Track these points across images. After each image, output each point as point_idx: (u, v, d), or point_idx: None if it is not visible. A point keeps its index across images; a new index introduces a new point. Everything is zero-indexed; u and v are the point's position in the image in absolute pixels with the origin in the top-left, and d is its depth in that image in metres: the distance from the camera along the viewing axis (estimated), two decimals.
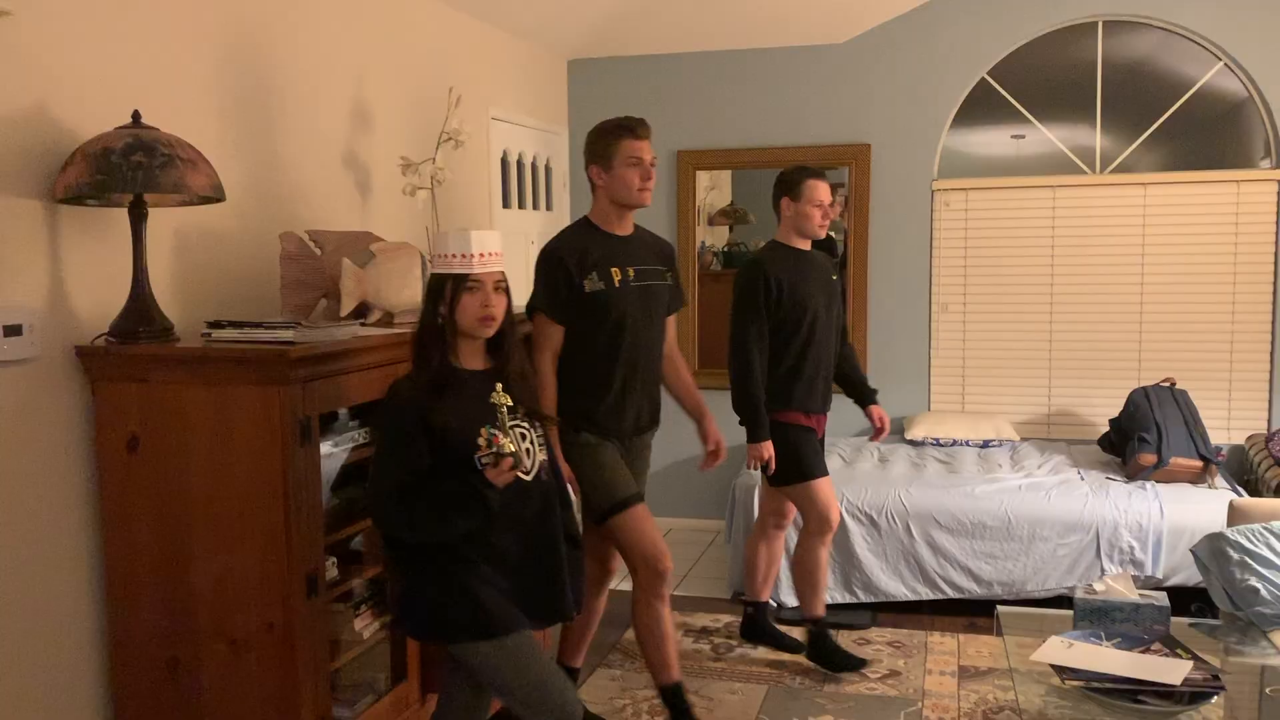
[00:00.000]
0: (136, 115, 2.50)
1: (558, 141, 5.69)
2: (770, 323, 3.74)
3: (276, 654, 2.45)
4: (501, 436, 2.24)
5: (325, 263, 3.07)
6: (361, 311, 3.05)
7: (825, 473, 3.86)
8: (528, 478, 2.40)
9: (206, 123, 2.94)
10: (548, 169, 5.62)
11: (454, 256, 2.37)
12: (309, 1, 3.46)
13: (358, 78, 3.73)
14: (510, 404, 2.36)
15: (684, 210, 5.71)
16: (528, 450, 2.42)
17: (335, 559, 2.76)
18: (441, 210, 3.89)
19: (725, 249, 5.98)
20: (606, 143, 3.20)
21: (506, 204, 5.11)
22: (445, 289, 2.38)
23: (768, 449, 3.72)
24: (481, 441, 2.24)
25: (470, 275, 2.36)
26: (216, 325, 2.57)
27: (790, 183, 3.82)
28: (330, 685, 2.61)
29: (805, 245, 3.87)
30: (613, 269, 3.17)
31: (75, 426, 2.52)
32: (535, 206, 5.49)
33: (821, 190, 3.80)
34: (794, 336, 3.76)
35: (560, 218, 5.74)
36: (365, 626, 2.86)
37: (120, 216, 2.57)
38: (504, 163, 5.07)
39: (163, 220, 2.74)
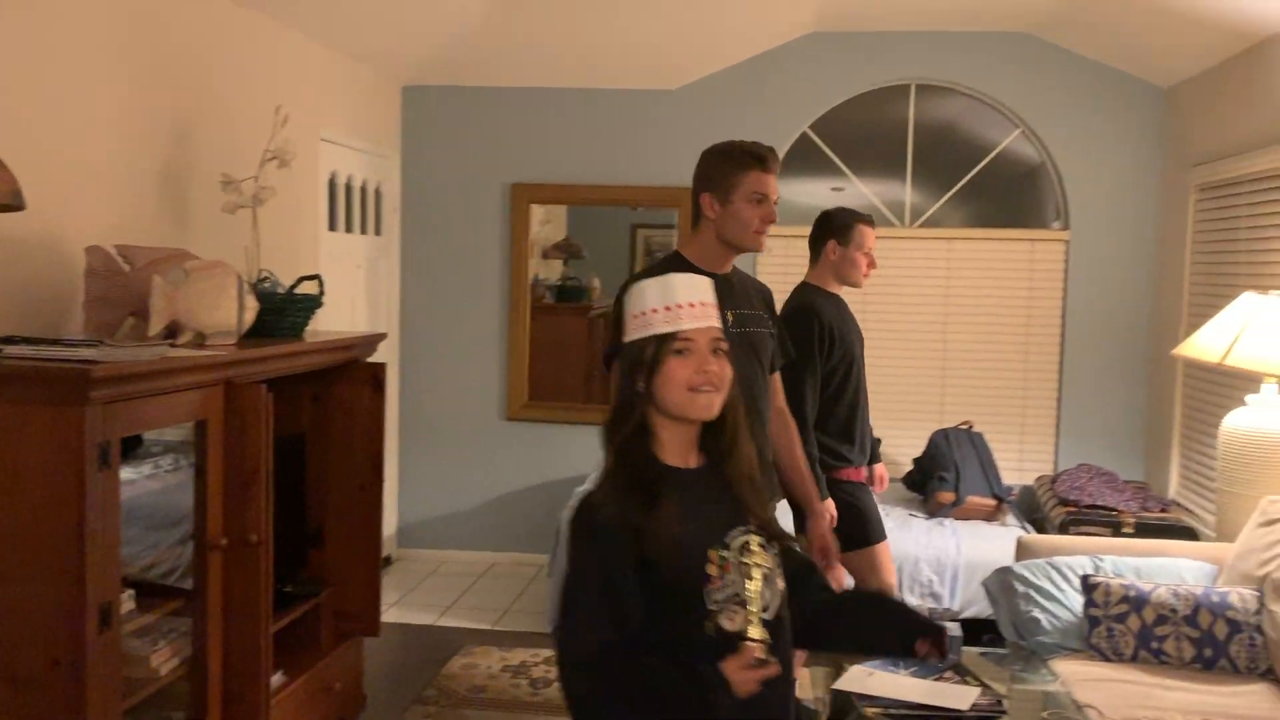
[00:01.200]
0: None
1: (389, 166, 5.62)
2: (822, 373, 3.43)
3: (64, 693, 2.30)
4: (748, 598, 1.67)
5: (134, 279, 2.93)
6: (172, 332, 2.92)
7: (885, 536, 3.59)
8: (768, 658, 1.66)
9: (6, 125, 2.78)
10: (378, 193, 5.54)
11: (654, 311, 1.76)
12: (129, 7, 3.32)
13: (178, 90, 3.59)
14: (760, 540, 1.75)
15: (518, 243, 5.72)
16: (764, 595, 1.72)
17: (133, 590, 2.61)
18: (264, 230, 3.78)
19: (559, 283, 6.02)
20: (728, 170, 2.74)
21: (333, 226, 5.01)
22: (645, 354, 1.75)
23: (831, 507, 3.25)
24: (713, 570, 1.69)
25: (679, 333, 1.74)
26: (9, 341, 2.42)
27: (840, 226, 3.56)
28: None
29: (839, 291, 3.62)
30: None
31: None
32: (364, 230, 5.40)
33: (871, 238, 3.57)
34: (845, 386, 3.50)
35: (390, 243, 5.66)
36: (163, 663, 2.72)
37: None
38: (332, 185, 4.98)
39: None
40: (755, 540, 1.75)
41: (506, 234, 5.73)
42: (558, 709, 3.89)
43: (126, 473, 2.54)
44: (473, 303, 5.78)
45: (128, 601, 2.57)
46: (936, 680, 2.81)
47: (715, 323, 1.79)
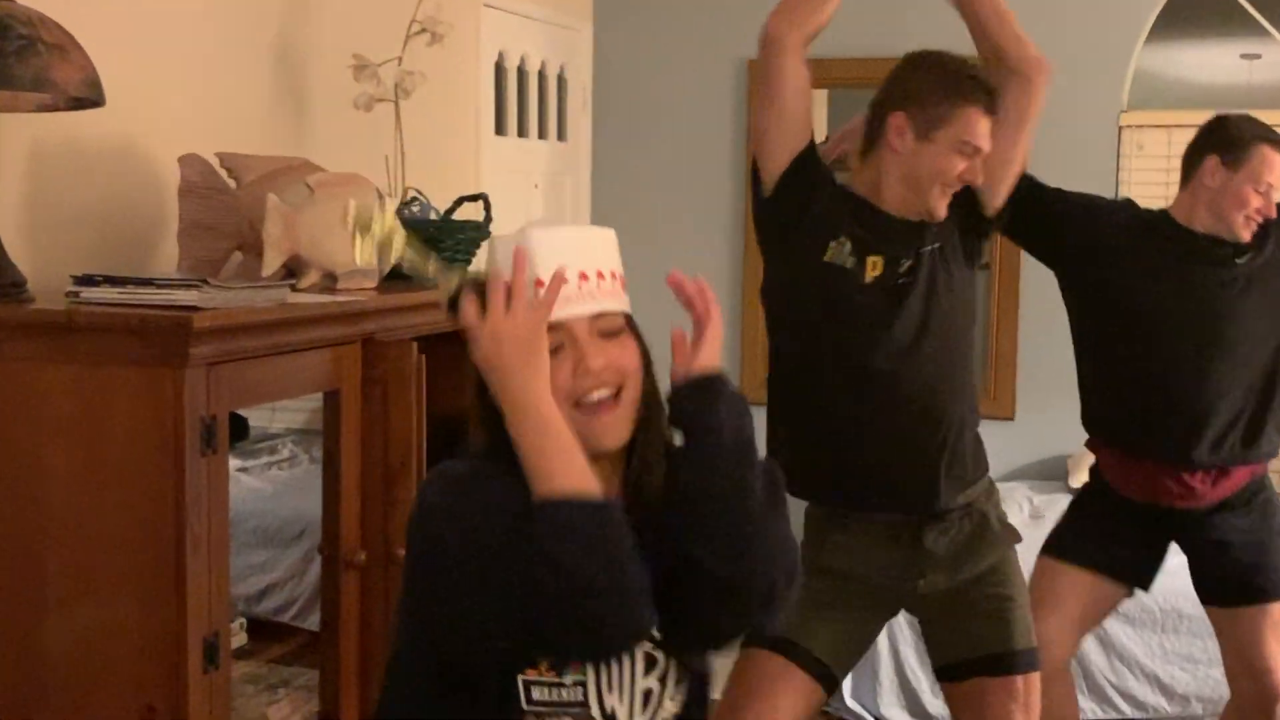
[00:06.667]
0: None
1: (578, 41, 5.73)
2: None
3: None
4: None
5: (242, 200, 3.11)
6: (292, 270, 3.07)
7: None
8: None
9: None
10: (562, 80, 5.65)
11: (536, 284, 1.76)
12: None
13: None
14: None
15: None
16: (648, 696, 1.84)
17: (244, 620, 2.80)
18: (410, 133, 3.93)
19: None
20: (940, 99, 3.02)
21: (501, 129, 5.14)
22: None
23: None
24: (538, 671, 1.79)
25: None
26: (88, 281, 2.60)
27: (1234, 141, 3.53)
28: None
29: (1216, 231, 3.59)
30: None
31: None
32: (542, 135, 5.52)
33: (1275, 168, 3.51)
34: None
35: (579, 149, 5.77)
36: (284, 719, 2.90)
37: None
38: (500, 69, 5.10)
39: (14, 129, 2.79)
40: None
41: (740, 133, 5.74)
42: None
43: (237, 460, 2.71)
44: (695, 231, 5.83)
45: (239, 633, 2.75)
46: None
47: (613, 304, 1.81)
